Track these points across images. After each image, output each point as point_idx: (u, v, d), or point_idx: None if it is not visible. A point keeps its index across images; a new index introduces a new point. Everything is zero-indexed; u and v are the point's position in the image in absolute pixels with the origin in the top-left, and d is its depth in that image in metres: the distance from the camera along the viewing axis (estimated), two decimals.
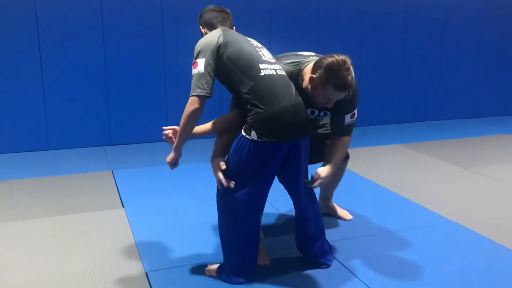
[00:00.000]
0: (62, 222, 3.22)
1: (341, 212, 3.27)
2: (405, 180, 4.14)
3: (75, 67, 5.06)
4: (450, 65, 6.76)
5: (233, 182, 2.28)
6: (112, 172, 4.35)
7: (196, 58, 2.26)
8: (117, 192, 3.81)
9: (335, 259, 2.69)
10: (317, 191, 2.70)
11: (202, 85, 2.21)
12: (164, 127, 2.49)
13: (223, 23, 2.47)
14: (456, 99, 6.93)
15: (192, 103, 2.22)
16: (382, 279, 2.49)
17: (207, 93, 2.22)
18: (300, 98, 2.32)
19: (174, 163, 2.43)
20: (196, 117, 2.25)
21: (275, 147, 2.22)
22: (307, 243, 2.60)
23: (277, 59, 2.51)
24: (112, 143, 5.34)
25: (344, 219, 3.22)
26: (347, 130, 2.61)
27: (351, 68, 2.28)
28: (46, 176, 4.22)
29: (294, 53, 2.61)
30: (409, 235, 3.02)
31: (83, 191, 3.84)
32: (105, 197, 3.71)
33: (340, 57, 2.28)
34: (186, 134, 2.32)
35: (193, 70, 2.25)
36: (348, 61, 2.27)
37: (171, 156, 2.40)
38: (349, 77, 2.27)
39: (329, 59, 2.28)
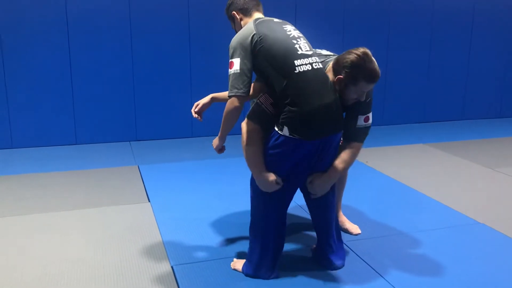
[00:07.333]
0: (90, 215, 3.29)
1: (350, 225, 3.03)
2: (431, 180, 4.10)
3: (103, 64, 5.14)
4: (478, 64, 6.63)
5: None
6: (138, 167, 4.41)
7: (231, 58, 2.28)
8: (143, 187, 3.87)
9: (359, 257, 2.69)
10: None
11: (239, 85, 2.25)
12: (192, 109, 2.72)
13: (257, 8, 2.50)
14: (484, 99, 6.79)
15: (231, 103, 2.28)
16: (407, 278, 2.48)
17: (243, 93, 2.25)
18: (336, 94, 2.33)
19: (220, 149, 2.53)
20: (235, 115, 2.31)
21: (305, 144, 2.24)
22: (326, 251, 2.59)
23: None
24: (138, 139, 5.41)
25: (351, 233, 2.99)
26: (358, 135, 2.46)
27: (373, 57, 2.31)
28: (74, 170, 4.31)
29: (314, 51, 2.61)
30: (434, 236, 2.99)
31: (110, 185, 3.91)
32: (131, 191, 3.77)
33: (360, 50, 2.29)
34: (228, 128, 2.39)
35: (229, 70, 2.28)
36: (369, 51, 2.30)
37: (216, 142, 2.50)
38: (376, 66, 2.31)
39: (351, 56, 2.29)
